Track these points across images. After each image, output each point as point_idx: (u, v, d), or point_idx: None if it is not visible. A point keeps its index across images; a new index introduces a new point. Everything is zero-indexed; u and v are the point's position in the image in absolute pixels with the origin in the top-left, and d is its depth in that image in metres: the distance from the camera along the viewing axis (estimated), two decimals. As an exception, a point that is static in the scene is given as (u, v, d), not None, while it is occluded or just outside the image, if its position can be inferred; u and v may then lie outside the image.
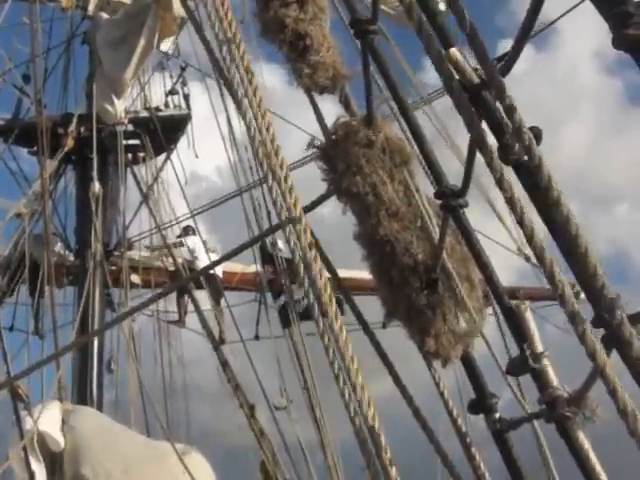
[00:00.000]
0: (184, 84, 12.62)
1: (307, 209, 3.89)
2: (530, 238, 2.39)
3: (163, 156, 12.66)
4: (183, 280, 10.06)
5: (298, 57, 3.48)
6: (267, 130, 2.99)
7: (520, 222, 2.43)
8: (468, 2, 2.35)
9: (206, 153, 14.33)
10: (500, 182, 2.41)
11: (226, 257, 5.41)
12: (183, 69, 12.33)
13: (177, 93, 12.66)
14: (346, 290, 3.76)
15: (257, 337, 12.44)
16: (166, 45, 12.24)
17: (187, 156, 12.83)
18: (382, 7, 11.36)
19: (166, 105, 12.68)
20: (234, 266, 12.10)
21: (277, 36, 3.51)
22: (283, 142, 3.15)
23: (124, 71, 11.39)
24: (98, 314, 11.77)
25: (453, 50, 2.40)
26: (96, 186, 11.37)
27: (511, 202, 2.43)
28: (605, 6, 1.80)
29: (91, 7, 12.46)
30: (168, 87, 12.89)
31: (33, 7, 12.61)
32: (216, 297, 12.03)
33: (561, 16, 8.63)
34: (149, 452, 6.88)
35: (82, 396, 11.19)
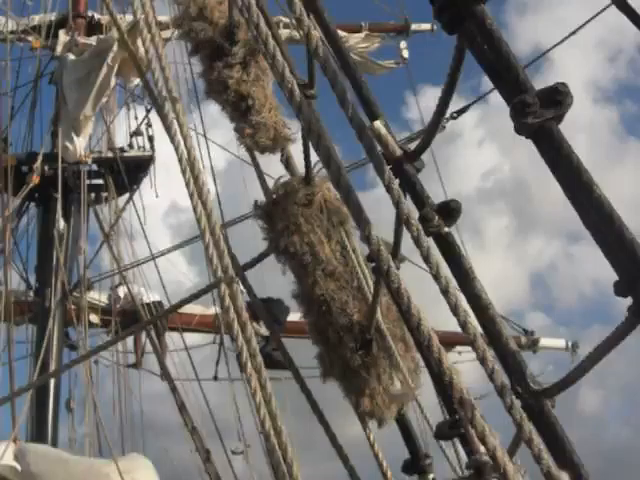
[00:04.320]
0: (149, 125, 12.68)
1: (246, 267, 3.95)
2: (454, 308, 2.43)
3: (126, 196, 12.68)
4: (143, 323, 10.06)
5: (240, 117, 3.55)
6: (199, 195, 3.03)
7: (444, 291, 2.47)
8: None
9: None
10: (426, 258, 2.46)
11: (176, 306, 5.43)
12: (148, 111, 12.38)
13: (142, 134, 12.71)
14: (280, 343, 3.82)
15: (215, 378, 12.41)
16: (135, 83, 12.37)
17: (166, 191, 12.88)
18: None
19: (130, 146, 12.74)
20: (193, 308, 12.09)
21: (220, 96, 3.58)
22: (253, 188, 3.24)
23: (83, 108, 11.48)
24: (56, 352, 11.76)
25: (377, 123, 2.47)
26: (61, 224, 11.41)
27: (436, 277, 2.48)
28: (506, 94, 1.87)
29: (59, 48, 12.54)
30: (133, 127, 12.95)
31: (2, 46, 12.73)
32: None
33: (552, 47, 8.61)
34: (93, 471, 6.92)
35: (39, 433, 11.15)
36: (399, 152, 2.43)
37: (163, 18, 10.29)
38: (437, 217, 2.34)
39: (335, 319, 3.31)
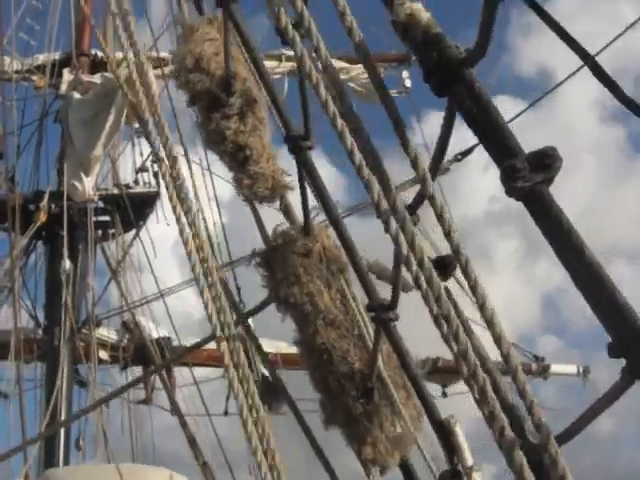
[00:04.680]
0: (154, 161, 12.75)
1: (248, 315, 3.97)
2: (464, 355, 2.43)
3: (133, 232, 12.74)
4: (151, 371, 10.10)
5: (238, 168, 3.56)
6: (195, 238, 3.04)
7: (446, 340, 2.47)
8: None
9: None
10: (426, 298, 2.47)
11: (188, 350, 5.44)
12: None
13: (147, 170, 12.78)
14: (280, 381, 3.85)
15: (226, 413, 12.39)
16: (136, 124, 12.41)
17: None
18: (350, 84, 11.54)
19: (136, 182, 12.81)
20: (203, 343, 12.09)
21: (218, 147, 3.60)
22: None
23: (93, 149, 11.56)
24: (66, 390, 11.78)
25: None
26: (67, 264, 11.45)
27: (436, 321, 2.49)
28: (496, 156, 1.88)
29: (64, 87, 12.65)
30: (139, 163, 13.02)
31: (6, 86, 12.82)
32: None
33: (560, 84, 8.58)
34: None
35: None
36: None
37: (166, 54, 10.41)
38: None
39: (336, 367, 3.31)
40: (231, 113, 3.61)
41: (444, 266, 2.37)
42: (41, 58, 14.25)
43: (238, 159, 3.57)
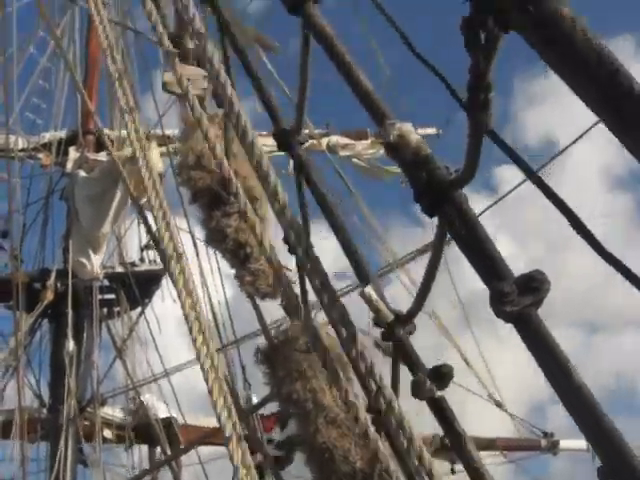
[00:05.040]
0: (155, 243, 12.80)
1: (249, 411, 3.98)
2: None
3: (138, 309, 12.75)
4: (159, 463, 10.10)
5: (240, 265, 3.61)
6: (197, 323, 3.08)
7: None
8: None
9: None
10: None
11: (187, 449, 5.43)
12: (159, 226, 12.50)
13: (152, 248, 12.84)
14: None
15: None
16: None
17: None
18: (354, 160, 11.59)
19: (141, 260, 12.86)
20: (208, 421, 12.04)
21: (220, 245, 3.65)
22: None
23: (101, 227, 11.63)
24: (70, 470, 11.70)
25: (368, 289, 2.52)
26: (70, 345, 11.48)
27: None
28: (484, 277, 1.92)
29: (69, 165, 12.77)
30: (144, 241, 13.09)
31: (12, 164, 12.97)
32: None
33: (566, 148, 8.60)
34: None
35: None
36: (391, 317, 2.48)
37: (171, 131, 10.52)
38: (429, 382, 2.38)
39: (338, 467, 3.32)
40: (232, 211, 3.67)
41: (440, 376, 2.40)
42: (47, 136, 14.40)
43: (239, 256, 3.62)
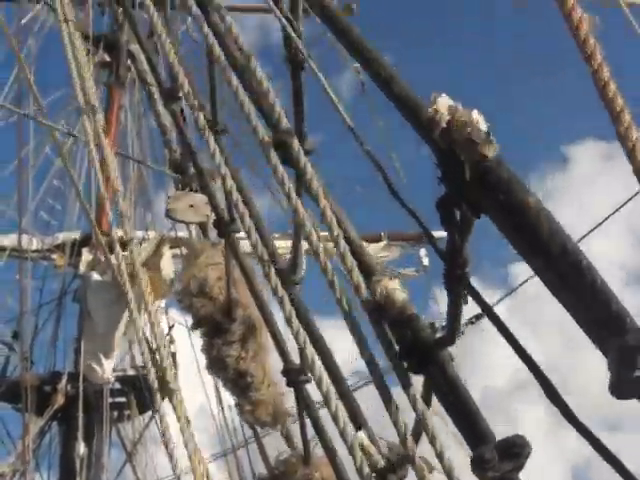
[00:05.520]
0: (171, 342, 12.82)
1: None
2: None
3: (149, 413, 12.70)
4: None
5: (240, 393, 3.65)
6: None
7: None
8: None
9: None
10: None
11: None
12: (171, 327, 12.56)
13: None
14: None
15: None
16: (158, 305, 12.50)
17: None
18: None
19: (151, 362, 12.84)
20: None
21: (221, 373, 3.70)
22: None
23: (113, 331, 11.66)
24: None
25: (360, 434, 2.54)
26: (81, 448, 11.41)
27: None
28: (467, 440, 1.95)
29: (82, 267, 12.85)
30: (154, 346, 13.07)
31: (24, 265, 13.07)
32: None
33: (580, 239, 8.57)
34: None
35: None
36: (382, 463, 2.50)
37: (183, 234, 10.63)
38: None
39: None
40: (233, 340, 3.72)
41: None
42: (61, 237, 14.50)
43: (240, 385, 3.66)
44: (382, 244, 14.04)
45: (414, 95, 1.78)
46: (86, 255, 13.31)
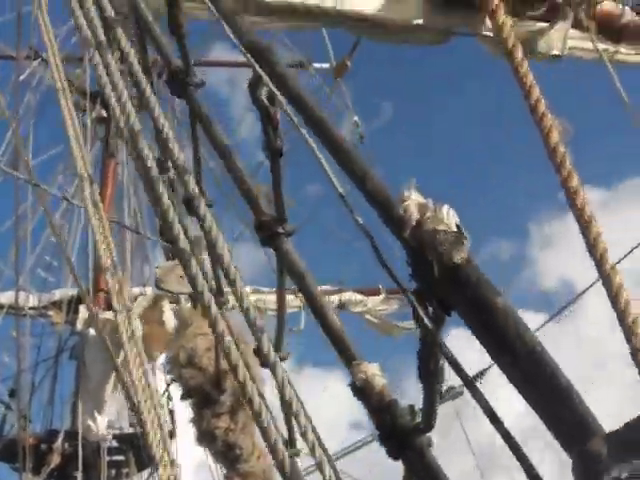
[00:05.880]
0: (169, 399, 12.79)
1: None
2: None
3: (148, 470, 12.63)
4: None
5: (230, 465, 3.65)
6: None
7: None
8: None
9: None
10: None
11: None
12: (169, 384, 12.53)
13: (162, 407, 12.78)
14: None
15: None
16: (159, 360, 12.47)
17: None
18: (367, 316, 11.64)
19: (152, 421, 12.78)
20: None
21: (210, 445, 3.70)
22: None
23: (104, 387, 11.65)
24: None
25: None
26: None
27: None
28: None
29: (79, 324, 12.85)
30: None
31: (21, 322, 13.06)
32: None
33: (583, 292, 8.52)
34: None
35: None
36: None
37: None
38: None
39: None
40: (222, 411, 3.73)
41: None
42: (58, 294, 14.52)
43: (229, 457, 3.66)
44: (381, 297, 14.10)
45: (386, 191, 1.82)
46: (83, 312, 13.31)
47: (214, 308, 3.12)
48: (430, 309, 1.73)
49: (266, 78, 2.00)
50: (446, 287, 1.63)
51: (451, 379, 2.13)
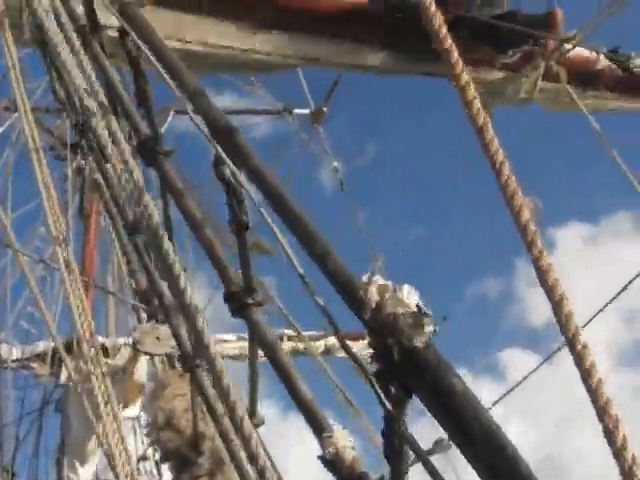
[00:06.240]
0: (156, 450, 12.66)
1: None
2: None
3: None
4: None
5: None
6: None
7: None
8: None
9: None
10: None
11: None
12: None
13: (148, 459, 12.69)
14: None
15: None
16: (132, 411, 12.35)
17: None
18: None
19: (138, 471, 12.67)
20: None
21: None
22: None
23: (87, 439, 11.54)
24: None
25: None
26: None
27: None
28: None
29: (63, 376, 12.75)
30: (140, 452, 12.92)
31: (3, 375, 12.96)
32: None
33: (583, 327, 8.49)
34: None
35: None
36: None
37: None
38: None
39: None
40: (199, 474, 3.72)
41: None
42: (42, 345, 14.39)
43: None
44: (365, 341, 14.02)
45: (348, 272, 1.84)
46: (68, 363, 13.20)
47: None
48: (392, 390, 1.75)
49: (227, 159, 2.04)
50: (407, 370, 1.65)
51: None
